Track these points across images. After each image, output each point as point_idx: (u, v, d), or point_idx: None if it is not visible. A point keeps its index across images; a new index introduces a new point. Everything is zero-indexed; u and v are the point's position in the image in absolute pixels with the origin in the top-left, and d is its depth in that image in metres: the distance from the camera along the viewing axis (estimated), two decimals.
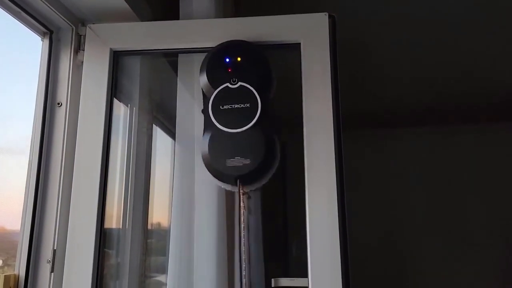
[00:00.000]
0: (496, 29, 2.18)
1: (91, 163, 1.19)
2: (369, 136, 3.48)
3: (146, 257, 1.41)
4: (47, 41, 1.25)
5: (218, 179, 1.15)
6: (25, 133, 1.23)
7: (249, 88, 1.13)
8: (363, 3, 1.95)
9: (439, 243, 3.46)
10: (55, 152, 1.21)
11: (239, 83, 1.13)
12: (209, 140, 1.12)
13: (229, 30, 1.24)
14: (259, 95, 1.12)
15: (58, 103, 1.24)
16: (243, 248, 1.12)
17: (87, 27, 1.27)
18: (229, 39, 1.20)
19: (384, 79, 2.79)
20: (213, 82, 1.15)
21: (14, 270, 1.13)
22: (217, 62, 1.17)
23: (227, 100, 1.13)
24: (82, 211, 1.16)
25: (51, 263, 1.15)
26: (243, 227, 1.13)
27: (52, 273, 1.15)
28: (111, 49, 1.26)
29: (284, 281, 1.10)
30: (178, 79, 1.36)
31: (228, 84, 1.14)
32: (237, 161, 1.09)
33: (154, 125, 1.49)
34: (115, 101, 1.30)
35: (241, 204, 1.13)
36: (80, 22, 1.29)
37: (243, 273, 1.10)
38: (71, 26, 1.27)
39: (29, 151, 1.20)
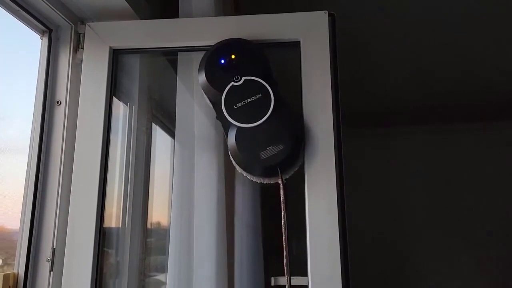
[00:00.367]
0: (496, 28, 2.18)
1: (91, 162, 1.19)
2: (369, 135, 3.48)
3: (146, 256, 1.41)
4: (46, 40, 1.25)
5: (256, 175, 1.14)
6: (24, 131, 1.22)
7: (254, 79, 1.12)
8: (363, 2, 1.95)
9: (439, 242, 3.46)
10: (54, 150, 1.21)
11: (243, 78, 1.13)
12: (235, 140, 1.10)
13: (228, 29, 1.24)
14: (266, 83, 1.12)
15: (57, 102, 1.24)
16: (285, 244, 1.09)
17: (86, 25, 1.27)
18: (228, 37, 1.20)
19: (384, 78, 2.80)
20: (216, 85, 1.14)
21: (13, 269, 1.13)
22: (214, 66, 1.16)
23: (237, 98, 1.12)
24: (82, 210, 1.16)
25: (50, 262, 1.15)
26: (284, 218, 1.09)
27: (52, 272, 1.15)
28: (110, 47, 1.26)
29: (283, 280, 1.10)
30: (177, 77, 1.36)
31: (232, 83, 1.13)
32: (271, 150, 1.08)
33: (153, 124, 1.49)
34: (115, 99, 1.29)
35: (282, 194, 1.11)
36: (79, 20, 1.29)
37: (287, 270, 1.08)
38: (70, 24, 1.26)
39: (28, 150, 1.20)
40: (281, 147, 1.08)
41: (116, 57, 1.28)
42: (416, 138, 3.57)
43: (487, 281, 3.39)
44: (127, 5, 1.23)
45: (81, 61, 1.26)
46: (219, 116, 1.13)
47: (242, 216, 1.37)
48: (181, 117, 1.34)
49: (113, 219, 1.35)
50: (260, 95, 1.11)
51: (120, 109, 1.39)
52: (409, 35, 2.25)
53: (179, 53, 1.36)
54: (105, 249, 1.25)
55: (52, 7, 1.17)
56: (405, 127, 3.54)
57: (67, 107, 1.23)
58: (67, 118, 1.23)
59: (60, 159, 1.21)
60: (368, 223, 3.32)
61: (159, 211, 1.49)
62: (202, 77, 1.16)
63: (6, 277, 1.09)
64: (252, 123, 1.10)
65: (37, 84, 1.23)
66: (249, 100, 1.11)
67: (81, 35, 1.27)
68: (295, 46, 1.21)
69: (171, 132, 1.40)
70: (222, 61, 1.16)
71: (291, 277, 1.09)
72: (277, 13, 1.23)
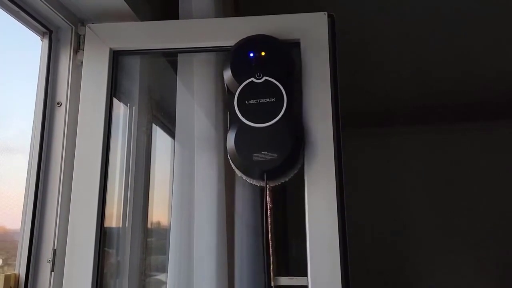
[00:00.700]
0: (496, 28, 2.18)
1: (91, 162, 1.19)
2: (369, 135, 3.48)
3: (146, 256, 1.41)
4: (46, 41, 1.25)
5: (244, 174, 1.15)
6: (25, 132, 1.23)
7: (274, 83, 1.12)
8: (363, 2, 1.95)
9: (439, 242, 3.46)
10: (55, 151, 1.22)
11: (264, 78, 1.13)
12: (236, 135, 1.11)
13: (228, 30, 1.24)
14: (284, 89, 1.12)
15: (58, 103, 1.24)
16: (270, 244, 1.11)
17: (86, 27, 1.27)
18: (228, 38, 1.20)
19: (384, 78, 2.80)
20: (238, 76, 1.14)
21: (14, 270, 1.14)
22: (242, 56, 1.16)
23: (252, 95, 1.12)
24: (82, 210, 1.16)
25: (51, 263, 1.15)
26: (270, 222, 1.11)
27: (53, 273, 1.15)
28: (110, 48, 1.26)
29: (283, 280, 1.10)
30: (177, 78, 1.36)
31: (253, 78, 1.13)
32: (264, 156, 1.08)
33: (153, 125, 1.49)
34: (115, 100, 1.30)
35: (268, 199, 1.12)
36: (79, 21, 1.29)
37: (270, 272, 1.10)
38: (70, 26, 1.27)
39: (29, 151, 1.20)
40: (275, 155, 1.08)
41: (116, 58, 1.28)
42: (416, 138, 3.57)
43: (487, 281, 3.39)
44: (127, 6, 1.24)
45: (82, 62, 1.26)
46: (230, 105, 1.14)
47: (242, 216, 1.37)
48: (181, 117, 1.34)
49: (113, 219, 1.35)
50: (274, 99, 1.11)
51: (120, 109, 1.40)
52: (409, 35, 2.25)
53: (179, 54, 1.36)
54: (106, 249, 1.26)
55: (52, 9, 1.18)
56: (405, 127, 3.54)
57: (67, 108, 1.24)
58: (68, 119, 1.23)
59: (61, 160, 1.21)
60: (368, 223, 3.32)
61: (160, 211, 1.49)
62: (227, 63, 1.17)
63: (7, 278, 1.10)
64: (256, 123, 1.11)
65: (37, 85, 1.23)
66: (262, 100, 1.12)
67: (81, 36, 1.28)
68: (295, 46, 1.21)
69: (171, 133, 1.40)
70: (251, 55, 1.16)
71: (291, 277, 1.10)
72: (277, 14, 1.24)
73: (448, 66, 2.61)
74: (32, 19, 1.19)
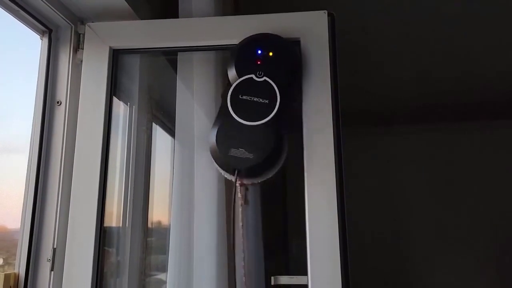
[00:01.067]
0: (496, 28, 2.18)
1: (91, 161, 1.19)
2: (369, 135, 3.48)
3: (146, 255, 1.41)
4: (46, 40, 1.25)
5: (219, 166, 1.15)
6: (25, 131, 1.23)
7: (272, 86, 1.12)
8: (363, 2, 1.95)
9: (439, 242, 3.46)
10: (54, 150, 1.22)
11: (264, 78, 1.13)
12: (219, 126, 1.11)
13: (228, 28, 1.24)
14: (280, 94, 1.11)
15: (58, 102, 1.24)
16: (240, 241, 1.11)
17: (86, 25, 1.27)
18: (228, 37, 1.20)
19: (384, 78, 2.80)
20: (240, 70, 1.14)
21: (14, 269, 1.13)
22: (249, 51, 1.16)
23: (248, 90, 1.12)
24: (82, 210, 1.16)
25: (51, 262, 1.15)
26: (241, 219, 1.12)
27: (52, 272, 1.15)
28: (110, 47, 1.26)
29: (283, 279, 1.10)
30: (177, 77, 1.36)
31: (253, 75, 1.13)
32: (240, 153, 1.08)
33: (153, 124, 1.49)
34: (115, 99, 1.30)
35: (238, 195, 1.12)
36: (79, 20, 1.29)
37: (241, 269, 1.10)
38: (70, 24, 1.27)
39: (28, 150, 1.20)
40: (250, 156, 1.08)
41: (116, 57, 1.28)
42: (416, 138, 3.57)
43: (487, 281, 3.39)
44: (127, 5, 1.23)
45: (81, 61, 1.26)
46: (224, 95, 1.14)
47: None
48: (181, 116, 1.34)
49: (113, 218, 1.35)
50: (267, 101, 1.11)
51: (120, 108, 1.40)
52: (409, 35, 2.25)
53: (179, 53, 1.36)
54: (106, 248, 1.26)
55: (52, 8, 1.18)
56: (405, 127, 3.54)
57: (67, 107, 1.24)
58: (68, 118, 1.23)
59: (61, 159, 1.21)
60: (368, 223, 3.32)
61: (160, 210, 1.49)
62: (234, 53, 1.17)
63: (7, 277, 1.10)
64: (243, 119, 1.10)
65: (37, 84, 1.23)
66: (255, 99, 1.11)
67: (81, 35, 1.28)
68: (295, 45, 1.21)
69: (171, 132, 1.40)
70: (259, 52, 1.16)
71: (291, 277, 1.10)
72: (277, 12, 1.24)
73: (448, 66, 2.61)
74: (32, 18, 1.19)
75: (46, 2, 1.15)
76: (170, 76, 1.39)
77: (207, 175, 1.30)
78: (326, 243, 1.08)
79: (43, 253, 1.16)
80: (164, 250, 1.33)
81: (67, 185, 1.19)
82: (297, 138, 1.17)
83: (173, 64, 1.36)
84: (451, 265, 3.42)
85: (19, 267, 1.13)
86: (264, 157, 1.08)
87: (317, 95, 1.17)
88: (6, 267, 1.20)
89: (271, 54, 1.16)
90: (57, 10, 1.20)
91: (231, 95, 1.12)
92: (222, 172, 1.15)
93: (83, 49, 1.26)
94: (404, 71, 2.70)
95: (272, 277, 1.13)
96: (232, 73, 1.15)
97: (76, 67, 1.26)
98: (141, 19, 1.31)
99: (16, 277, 1.12)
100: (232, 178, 1.13)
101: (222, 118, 1.12)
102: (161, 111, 1.53)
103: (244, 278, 1.10)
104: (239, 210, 1.12)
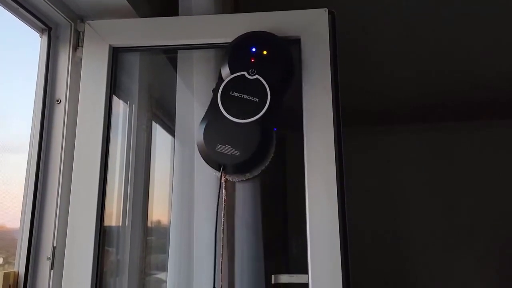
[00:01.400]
0: (496, 28, 2.18)
1: (91, 160, 1.19)
2: (369, 134, 3.48)
3: (146, 254, 1.41)
4: (45, 38, 1.25)
5: (205, 161, 1.15)
6: (24, 130, 1.22)
7: (263, 85, 1.12)
8: (363, 2, 1.95)
9: (438, 241, 3.46)
10: (54, 149, 1.21)
11: (256, 76, 1.12)
12: (208, 121, 1.11)
13: (228, 26, 1.24)
14: (271, 94, 1.11)
15: (57, 100, 1.24)
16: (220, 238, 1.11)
17: (86, 23, 1.27)
18: (228, 35, 1.19)
19: (384, 77, 2.80)
20: (234, 67, 1.14)
21: (14, 268, 1.13)
22: (243, 48, 1.16)
23: (239, 88, 1.12)
24: (82, 209, 1.16)
25: (50, 260, 1.15)
26: (223, 214, 1.12)
27: (52, 270, 1.14)
28: (110, 45, 1.26)
29: (284, 278, 1.10)
30: (177, 76, 1.36)
31: (245, 73, 1.13)
32: (226, 149, 1.08)
33: (153, 122, 1.49)
34: (114, 98, 1.29)
35: (223, 191, 1.13)
36: (78, 18, 1.29)
37: (218, 266, 1.10)
38: (69, 22, 1.26)
39: (28, 148, 1.20)
40: (236, 153, 1.08)
41: (116, 55, 1.28)
42: (416, 137, 3.57)
43: (487, 281, 3.39)
44: (127, 3, 1.23)
45: (81, 59, 1.26)
46: (215, 90, 1.14)
47: (242, 216, 1.37)
48: (181, 115, 1.34)
49: (113, 217, 1.34)
50: (257, 99, 1.11)
51: (120, 107, 1.39)
52: (409, 35, 2.24)
53: (179, 51, 1.36)
54: (106, 247, 1.25)
55: (51, 5, 1.17)
56: (405, 127, 3.54)
57: (67, 106, 1.23)
58: (67, 117, 1.23)
59: (60, 158, 1.21)
60: (368, 223, 3.32)
61: (159, 210, 1.48)
62: (228, 49, 1.16)
63: (6, 276, 1.09)
64: (231, 115, 1.10)
65: (36, 82, 1.23)
66: (246, 96, 1.11)
67: (81, 33, 1.27)
68: (295, 43, 1.21)
69: (171, 131, 1.39)
70: (253, 49, 1.15)
71: (292, 275, 1.09)
72: (278, 10, 1.23)
73: (448, 66, 2.61)
74: (31, 15, 1.18)
75: (46, 0, 1.15)
76: (170, 74, 1.39)
77: (207, 174, 1.29)
78: (326, 242, 1.08)
79: (43, 251, 1.16)
80: (164, 249, 1.32)
81: (67, 183, 1.19)
82: (297, 138, 1.16)
83: (173, 62, 1.36)
84: (451, 265, 3.41)
85: (19, 266, 1.13)
86: (250, 154, 1.08)
87: (317, 94, 1.17)
88: (6, 267, 1.19)
89: (265, 52, 1.15)
90: (57, 8, 1.20)
91: (222, 91, 1.12)
92: (207, 167, 1.15)
93: (82, 47, 1.26)
94: (404, 71, 2.70)
95: (273, 276, 1.13)
96: (225, 69, 1.15)
97: (76, 65, 1.26)
98: (141, 17, 1.31)
99: (16, 275, 1.12)
100: (216, 174, 1.13)
101: (211, 114, 1.12)
102: (161, 110, 1.53)
103: (221, 274, 1.10)
104: (222, 206, 1.13)
